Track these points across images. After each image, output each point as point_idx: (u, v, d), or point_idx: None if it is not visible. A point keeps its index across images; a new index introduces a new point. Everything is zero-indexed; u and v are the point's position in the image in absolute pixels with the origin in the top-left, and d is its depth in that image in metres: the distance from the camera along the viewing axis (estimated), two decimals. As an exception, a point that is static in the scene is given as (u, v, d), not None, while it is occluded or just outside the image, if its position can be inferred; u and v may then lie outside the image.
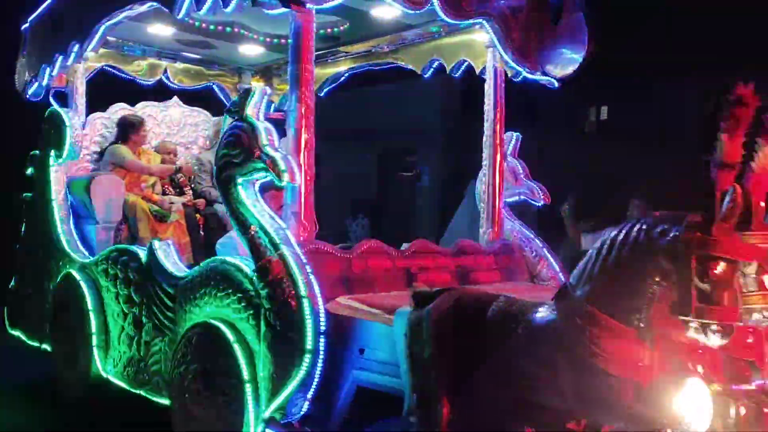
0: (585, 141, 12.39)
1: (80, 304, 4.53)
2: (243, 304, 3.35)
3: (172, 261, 4.04)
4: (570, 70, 4.36)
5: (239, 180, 3.42)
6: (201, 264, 3.72)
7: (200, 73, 6.63)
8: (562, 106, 11.33)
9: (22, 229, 5.73)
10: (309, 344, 3.06)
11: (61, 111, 5.15)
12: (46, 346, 5.16)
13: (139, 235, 5.15)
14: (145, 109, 6.11)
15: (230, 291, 3.43)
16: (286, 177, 3.22)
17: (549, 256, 4.56)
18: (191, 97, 6.65)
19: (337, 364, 3.15)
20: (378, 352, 3.06)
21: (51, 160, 5.20)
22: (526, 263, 4.60)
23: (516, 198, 4.77)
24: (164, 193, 5.70)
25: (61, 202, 5.21)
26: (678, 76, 10.51)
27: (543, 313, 2.50)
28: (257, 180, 3.43)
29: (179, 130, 6.37)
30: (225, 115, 3.56)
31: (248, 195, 3.42)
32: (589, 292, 2.41)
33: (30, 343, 5.46)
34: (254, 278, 3.31)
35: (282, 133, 3.59)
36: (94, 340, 4.43)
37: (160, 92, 6.53)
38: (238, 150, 3.36)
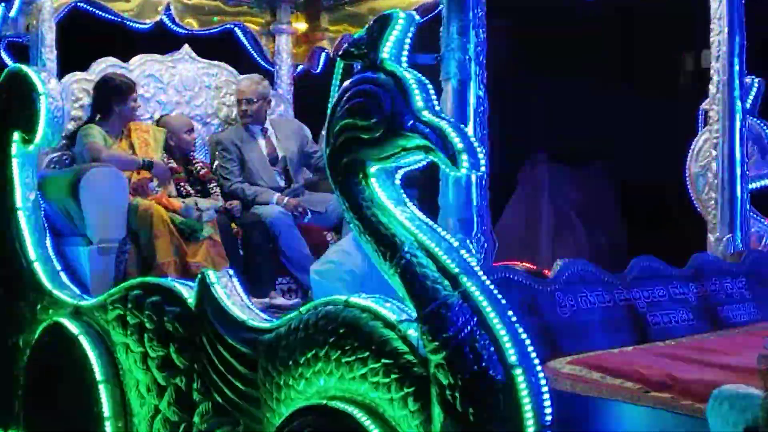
0: None
1: (81, 371, 4.01)
2: (394, 376, 2.79)
3: (239, 302, 3.51)
4: None
5: (372, 168, 2.87)
6: (300, 309, 3.18)
7: (217, 11, 6.14)
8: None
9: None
10: (530, 445, 2.51)
11: (29, 70, 4.63)
12: (15, 435, 4.68)
13: (157, 261, 4.65)
14: (143, 65, 5.67)
15: (367, 354, 2.87)
16: (466, 161, 2.65)
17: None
18: (204, 48, 6.16)
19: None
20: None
21: (14, 148, 4.70)
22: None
23: (764, 182, 4.21)
24: (183, 195, 5.20)
25: (32, 212, 4.70)
26: None
27: None
28: (402, 168, 2.89)
29: (194, 96, 5.87)
30: (338, 63, 3.01)
31: (390, 193, 2.87)
32: None
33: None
34: (413, 334, 2.76)
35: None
36: (109, 428, 3.91)
37: (159, 41, 6.04)
38: (372, 119, 2.80)
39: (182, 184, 5.33)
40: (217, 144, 5.72)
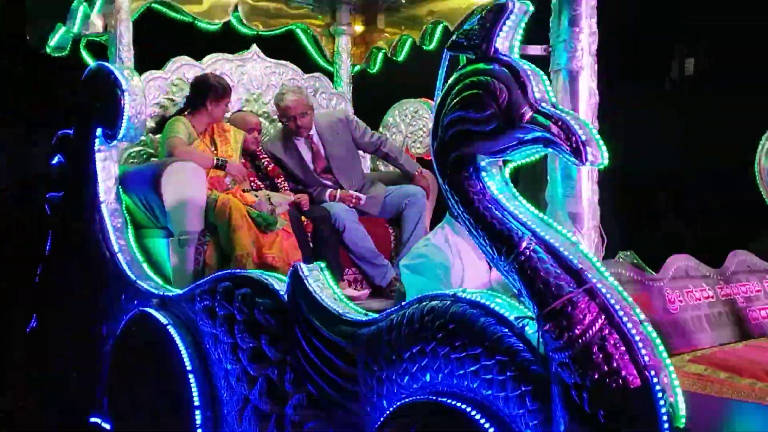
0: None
1: (169, 361, 3.73)
2: (510, 373, 2.48)
3: (331, 296, 3.20)
4: None
5: (483, 162, 2.55)
6: (403, 304, 2.86)
7: (281, 13, 5.85)
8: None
9: (47, 247, 4.97)
10: (666, 451, 2.19)
11: (113, 68, 4.34)
12: (99, 422, 4.40)
13: (236, 252, 4.35)
14: (215, 64, 5.37)
15: (479, 351, 2.56)
16: (591, 153, 2.32)
17: None
18: (269, 47, 5.86)
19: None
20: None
21: (97, 143, 4.42)
22: None
23: None
24: (254, 190, 4.91)
25: (114, 204, 4.43)
26: None
27: None
28: (510, 162, 2.58)
29: (262, 94, 5.58)
30: (444, 55, 2.68)
31: (501, 187, 2.56)
32: None
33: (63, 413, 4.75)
34: (530, 331, 2.45)
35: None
36: (198, 419, 3.62)
37: (221, 42, 5.74)
38: (488, 112, 2.47)
39: (252, 179, 5.04)
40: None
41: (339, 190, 5.21)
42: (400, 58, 5.97)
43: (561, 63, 2.68)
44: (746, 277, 3.13)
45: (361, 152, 5.61)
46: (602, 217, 2.78)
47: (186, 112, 4.93)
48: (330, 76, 6.06)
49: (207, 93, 4.85)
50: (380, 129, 5.99)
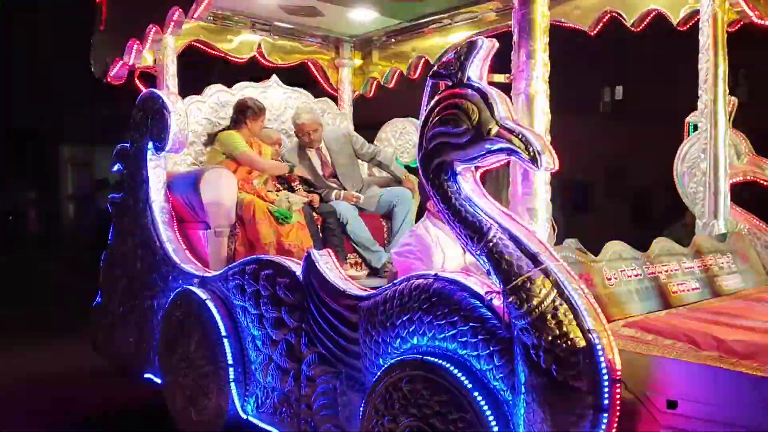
0: None
1: (208, 328, 3.69)
2: (481, 336, 2.46)
3: (338, 276, 3.17)
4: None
5: (459, 168, 2.53)
6: (395, 281, 2.84)
7: (296, 49, 5.78)
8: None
9: (110, 238, 4.91)
10: (606, 398, 2.17)
11: (162, 94, 4.29)
12: (152, 377, 4.36)
13: (261, 241, 4.31)
14: (243, 90, 5.29)
15: (456, 318, 2.54)
16: (545, 161, 2.31)
17: (793, 250, 3.64)
18: (283, 77, 5.79)
19: (633, 423, 2.26)
20: (701, 407, 2.17)
21: (149, 154, 4.37)
22: (760, 261, 3.69)
23: (739, 179, 3.84)
24: (276, 191, 4.86)
25: (163, 203, 4.38)
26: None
27: None
28: (480, 167, 2.56)
29: (280, 114, 5.52)
30: (428, 81, 2.66)
31: (473, 188, 2.54)
32: None
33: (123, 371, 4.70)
34: (497, 303, 2.43)
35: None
36: (231, 374, 3.59)
37: (245, 73, 5.69)
38: (463, 127, 2.46)
39: (274, 183, 5.00)
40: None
41: (342, 191, 5.18)
42: (391, 86, 5.93)
43: (520, 88, 2.64)
44: (667, 258, 3.11)
45: (360, 161, 5.58)
46: (553, 212, 2.76)
47: (232, 128, 4.88)
48: (335, 99, 6.01)
49: (247, 112, 4.80)
50: (375, 142, 5.96)
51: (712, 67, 3.69)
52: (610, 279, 2.76)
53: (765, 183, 3.82)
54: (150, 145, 4.34)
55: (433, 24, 5.40)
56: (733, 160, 3.81)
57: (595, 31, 4.42)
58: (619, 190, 6.91)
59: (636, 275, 2.89)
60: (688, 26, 3.90)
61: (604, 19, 4.32)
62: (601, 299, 2.63)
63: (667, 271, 3.04)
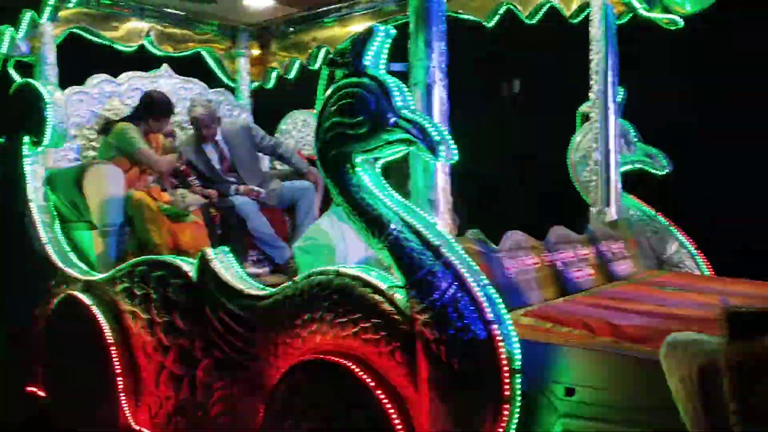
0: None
1: (94, 335, 3.43)
2: (383, 333, 2.39)
3: (235, 274, 3.02)
4: (704, 5, 3.55)
5: (358, 159, 2.44)
6: (296, 279, 2.72)
7: (188, 38, 5.49)
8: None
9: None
10: (506, 389, 2.15)
11: (36, 84, 3.94)
12: (36, 390, 4.02)
13: (152, 242, 4.05)
14: (130, 80, 4.98)
15: (358, 316, 2.46)
16: (443, 151, 2.26)
17: (678, 235, 3.80)
18: (181, 66, 5.50)
19: (534, 412, 2.26)
20: (597, 393, 2.20)
21: (25, 150, 4.01)
22: (650, 246, 3.84)
23: (629, 167, 3.98)
24: (172, 188, 4.60)
25: (42, 202, 4.04)
26: None
27: None
28: (381, 158, 2.48)
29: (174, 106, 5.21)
30: (323, 70, 2.55)
31: (373, 179, 2.46)
32: None
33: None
34: (399, 298, 2.36)
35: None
36: (120, 383, 3.35)
37: (138, 62, 5.35)
38: (359, 117, 2.38)
39: (170, 180, 4.72)
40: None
41: (242, 186, 4.97)
42: (291, 77, 5.76)
43: (418, 78, 2.58)
44: (564, 246, 3.16)
45: (260, 154, 5.38)
46: (456, 203, 2.73)
47: (132, 122, 4.54)
48: (233, 90, 5.78)
49: (150, 108, 4.50)
50: (276, 134, 5.78)
51: (603, 58, 3.79)
52: (509, 269, 2.77)
53: (654, 171, 3.98)
54: (26, 139, 3.99)
55: (333, 13, 5.28)
56: (624, 149, 3.94)
57: (492, 23, 4.44)
58: (525, 181, 7.05)
59: (534, 264, 2.91)
60: (579, 19, 3.98)
61: (500, 11, 4.35)
62: (501, 289, 2.62)
63: (564, 259, 3.09)
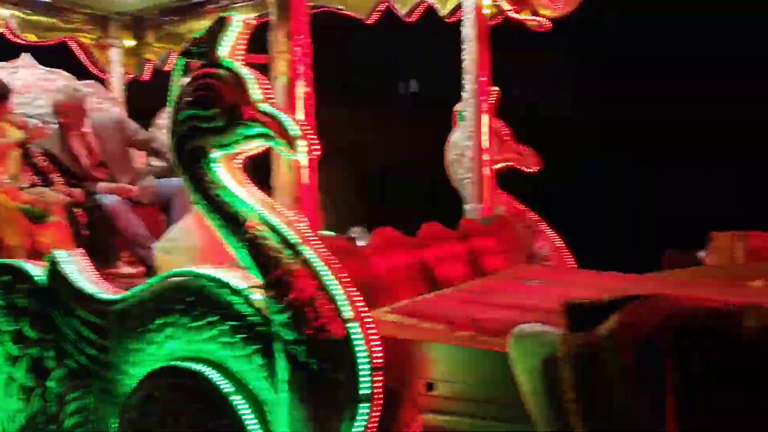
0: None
1: (-69, 349, 3.10)
2: (240, 336, 2.29)
3: (88, 278, 2.81)
4: (570, 8, 3.69)
5: (215, 154, 2.34)
6: (149, 281, 2.57)
7: (55, 26, 5.14)
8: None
9: None
10: (365, 387, 2.12)
11: None
12: None
13: (5, 243, 3.72)
14: (-16, 71, 4.56)
15: (215, 318, 2.34)
16: (302, 146, 2.19)
17: (547, 230, 3.94)
18: (44, 57, 5.13)
19: (394, 408, 2.25)
20: (456, 387, 2.21)
21: None
22: (520, 242, 3.95)
23: (502, 164, 4.08)
24: (32, 185, 4.26)
25: None
26: None
27: None
28: (242, 153, 2.39)
29: (34, 98, 4.87)
30: (178, 60, 2.42)
31: (231, 174, 2.36)
32: None
33: None
34: (257, 298, 2.28)
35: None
36: (-38, 400, 3.05)
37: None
38: (215, 110, 2.27)
39: (30, 174, 4.37)
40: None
41: (112, 184, 4.69)
42: (168, 69, 5.51)
43: (280, 70, 2.50)
44: (436, 242, 3.18)
45: (134, 149, 5.10)
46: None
47: None
48: (103, 82, 5.45)
49: None
50: (151, 129, 5.50)
51: (476, 58, 3.85)
52: (377, 266, 2.74)
53: (524, 169, 4.10)
54: None
55: (210, 4, 5.10)
56: (496, 147, 4.03)
57: (371, 20, 4.43)
58: (414, 180, 7.16)
59: (404, 260, 2.90)
60: (454, 18, 4.03)
61: (379, 8, 4.34)
62: (368, 287, 2.58)
63: (436, 255, 3.11)
